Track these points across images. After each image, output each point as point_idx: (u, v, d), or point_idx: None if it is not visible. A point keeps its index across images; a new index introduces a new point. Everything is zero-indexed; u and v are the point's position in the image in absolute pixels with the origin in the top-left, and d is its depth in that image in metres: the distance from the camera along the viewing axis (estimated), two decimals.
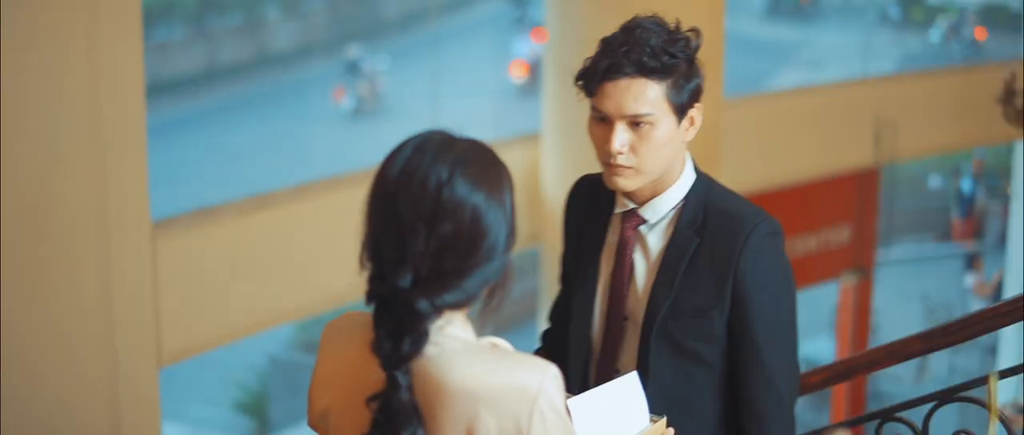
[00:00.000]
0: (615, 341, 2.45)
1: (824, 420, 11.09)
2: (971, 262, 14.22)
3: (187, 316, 5.61)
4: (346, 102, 15.53)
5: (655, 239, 2.44)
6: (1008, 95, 5.09)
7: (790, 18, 23.67)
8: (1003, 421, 2.85)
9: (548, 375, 1.82)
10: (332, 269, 6.16)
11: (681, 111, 2.36)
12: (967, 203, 16.70)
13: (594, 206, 2.50)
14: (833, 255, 9.78)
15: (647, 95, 2.31)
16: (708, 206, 2.42)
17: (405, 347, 1.77)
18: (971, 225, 16.71)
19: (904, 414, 3.11)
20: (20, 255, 4.62)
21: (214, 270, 5.83)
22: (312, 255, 6.25)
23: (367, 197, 1.84)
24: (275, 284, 6.12)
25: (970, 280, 13.85)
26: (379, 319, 1.80)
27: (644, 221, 2.44)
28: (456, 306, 1.82)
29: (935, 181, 18.66)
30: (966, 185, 16.89)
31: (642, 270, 2.44)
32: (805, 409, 11.70)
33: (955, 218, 17.02)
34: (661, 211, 2.43)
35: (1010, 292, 9.46)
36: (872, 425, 3.17)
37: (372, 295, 1.82)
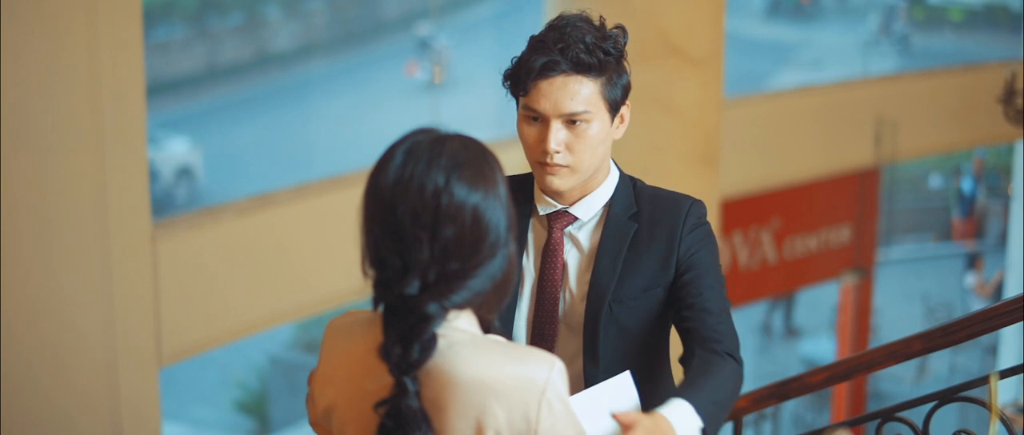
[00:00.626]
0: (547, 345, 2.43)
1: (824, 420, 11.09)
2: (972, 262, 14.23)
3: (187, 316, 5.61)
4: (419, 76, 16.59)
5: (586, 236, 2.44)
6: (1009, 95, 5.10)
7: (790, 18, 23.69)
8: (1004, 421, 2.85)
9: (555, 367, 1.83)
10: (332, 269, 6.16)
11: (614, 108, 2.35)
12: (968, 203, 16.70)
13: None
14: (833, 255, 9.78)
15: (583, 93, 2.30)
16: (638, 195, 2.44)
17: (415, 353, 1.77)
18: (972, 225, 16.71)
19: (904, 414, 3.11)
20: (20, 255, 4.62)
21: (214, 270, 5.83)
22: (312, 255, 6.25)
23: (362, 206, 1.83)
24: (275, 284, 6.12)
25: (970, 280, 13.86)
26: (388, 324, 1.80)
27: (575, 219, 2.43)
28: (464, 305, 1.83)
29: (936, 181, 18.67)
30: (967, 185, 16.89)
31: (576, 269, 2.43)
32: (805, 409, 11.71)
33: (955, 218, 17.03)
34: (593, 209, 2.43)
35: (1010, 292, 9.46)
36: (872, 425, 3.17)
37: (379, 301, 1.82)
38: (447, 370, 1.80)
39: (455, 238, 1.77)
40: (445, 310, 1.79)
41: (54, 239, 4.75)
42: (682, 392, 2.16)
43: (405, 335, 1.78)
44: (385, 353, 1.78)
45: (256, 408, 13.98)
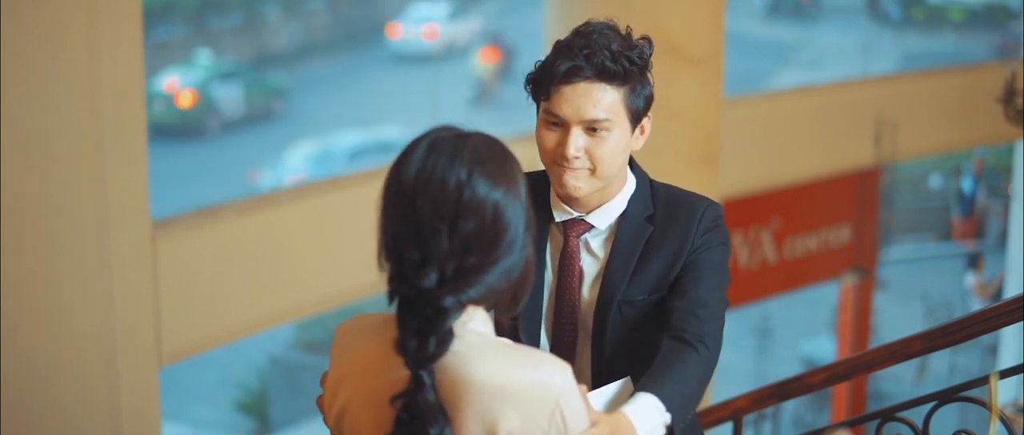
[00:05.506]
0: (566, 353, 2.42)
1: (824, 420, 11.09)
2: (974, 262, 14.23)
3: (187, 316, 5.61)
4: None
5: (601, 244, 2.42)
6: (1009, 95, 5.10)
7: (790, 18, 23.70)
8: (1004, 421, 2.85)
9: (568, 373, 1.84)
10: (332, 269, 6.16)
11: (636, 119, 2.34)
12: (968, 203, 16.71)
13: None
14: (833, 255, 9.78)
15: (606, 100, 2.29)
16: (655, 197, 2.43)
17: (431, 347, 1.78)
18: (972, 225, 16.71)
19: (904, 414, 3.11)
20: (20, 255, 4.62)
21: (214, 270, 5.83)
22: (312, 255, 6.25)
23: (382, 198, 1.83)
24: (275, 284, 6.11)
25: (970, 280, 13.86)
26: (403, 318, 1.80)
27: (591, 227, 2.41)
28: (480, 301, 1.83)
29: (936, 181, 18.67)
30: (967, 185, 16.89)
31: (591, 276, 2.42)
32: (805, 409, 11.71)
33: (956, 218, 17.03)
34: (609, 218, 2.41)
35: (1010, 292, 9.46)
36: (872, 425, 3.17)
37: (394, 295, 1.82)
38: (461, 372, 1.80)
39: (474, 232, 1.78)
40: (461, 305, 1.80)
41: (55, 239, 4.75)
42: (646, 384, 2.13)
43: (421, 329, 1.78)
44: (401, 346, 1.79)
45: (256, 408, 13.99)
